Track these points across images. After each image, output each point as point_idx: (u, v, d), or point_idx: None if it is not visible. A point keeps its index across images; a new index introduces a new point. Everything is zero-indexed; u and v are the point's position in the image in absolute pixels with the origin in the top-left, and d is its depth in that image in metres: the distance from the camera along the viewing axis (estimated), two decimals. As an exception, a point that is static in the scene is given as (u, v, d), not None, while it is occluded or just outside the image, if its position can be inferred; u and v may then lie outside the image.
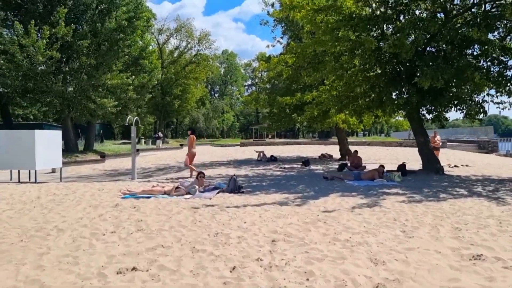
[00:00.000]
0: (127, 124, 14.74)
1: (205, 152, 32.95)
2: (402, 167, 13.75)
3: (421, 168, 14.47)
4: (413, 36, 12.79)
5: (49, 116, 27.90)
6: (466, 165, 18.74)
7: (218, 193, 9.67)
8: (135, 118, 14.92)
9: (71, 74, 23.95)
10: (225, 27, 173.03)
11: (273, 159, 21.36)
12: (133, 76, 27.19)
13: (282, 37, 24.86)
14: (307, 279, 3.84)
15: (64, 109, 24.24)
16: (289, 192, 9.88)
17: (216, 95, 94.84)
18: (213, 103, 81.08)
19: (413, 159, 23.76)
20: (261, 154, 22.11)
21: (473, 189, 10.48)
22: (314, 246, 4.98)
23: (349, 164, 16.22)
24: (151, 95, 47.21)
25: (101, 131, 49.06)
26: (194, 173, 13.93)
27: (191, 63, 52.78)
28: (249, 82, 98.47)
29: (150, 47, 33.37)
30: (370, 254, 4.64)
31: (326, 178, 12.79)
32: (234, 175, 10.13)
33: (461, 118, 14.26)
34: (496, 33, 12.95)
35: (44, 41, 20.75)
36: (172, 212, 7.33)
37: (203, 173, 10.46)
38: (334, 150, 27.48)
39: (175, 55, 54.03)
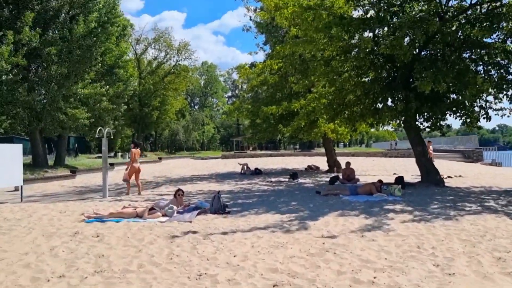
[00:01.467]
0: (97, 136, 13.25)
1: (185, 165, 31.45)
2: (400, 180, 12.65)
3: (420, 180, 13.42)
4: (408, 38, 11.85)
5: (17, 129, 26.03)
6: (460, 176, 17.90)
7: (199, 213, 8.31)
8: (106, 130, 13.46)
9: (40, 84, 22.27)
10: (205, 39, 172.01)
11: (258, 172, 20.08)
12: (108, 86, 25.65)
13: (264, 44, 23.75)
14: None
15: (32, 121, 22.49)
16: (281, 211, 8.60)
17: (196, 106, 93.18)
18: (193, 115, 79.41)
19: (401, 170, 22.87)
20: (245, 166, 20.81)
21: (484, 203, 9.42)
22: (332, 294, 3.70)
23: (341, 177, 15.07)
24: (127, 106, 45.58)
25: (76, 145, 46.93)
26: (138, 195, 12.71)
27: (170, 73, 51.24)
28: (229, 94, 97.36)
29: (127, 57, 31.72)
30: (411, 306, 3.40)
31: (319, 193, 11.58)
32: (218, 192, 8.80)
33: (460, 126, 13.12)
34: (495, 35, 12.11)
35: (8, 47, 19.10)
36: (143, 241, 5.95)
37: (182, 191, 9.08)
38: (319, 162, 26.42)
39: (154, 65, 52.46)
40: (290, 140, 77.90)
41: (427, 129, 13.43)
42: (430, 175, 12.89)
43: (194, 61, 55.05)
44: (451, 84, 10.47)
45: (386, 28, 12.33)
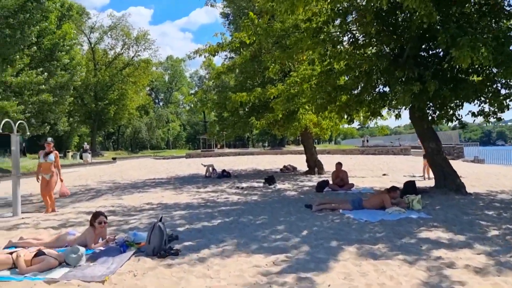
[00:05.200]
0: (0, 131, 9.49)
1: (142, 166, 27.63)
2: (411, 186, 9.68)
3: (434, 185, 10.55)
4: None
5: None
6: (460, 176, 15.26)
7: (129, 258, 4.94)
8: (17, 123, 9.82)
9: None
10: (172, 36, 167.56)
11: (225, 175, 16.76)
12: (46, 73, 21.66)
13: (232, 24, 20.40)
14: None
15: None
16: (263, 248, 5.34)
17: (161, 103, 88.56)
18: (156, 112, 74.99)
19: (387, 169, 20.13)
20: (210, 168, 17.40)
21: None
22: None
23: (331, 182, 11.96)
24: (81, 100, 41.06)
25: (24, 144, 42.03)
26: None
27: (128, 65, 46.90)
28: (196, 89, 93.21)
29: (73, 41, 27.46)
30: None
31: (309, 208, 8.42)
32: (160, 219, 5.43)
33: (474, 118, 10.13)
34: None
35: None
36: None
37: (104, 216, 5.63)
38: (294, 161, 23.47)
39: (110, 56, 47.93)
40: (259, 137, 74.59)
41: (440, 120, 10.56)
42: (448, 179, 10.01)
43: (155, 52, 50.98)
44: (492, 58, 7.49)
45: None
